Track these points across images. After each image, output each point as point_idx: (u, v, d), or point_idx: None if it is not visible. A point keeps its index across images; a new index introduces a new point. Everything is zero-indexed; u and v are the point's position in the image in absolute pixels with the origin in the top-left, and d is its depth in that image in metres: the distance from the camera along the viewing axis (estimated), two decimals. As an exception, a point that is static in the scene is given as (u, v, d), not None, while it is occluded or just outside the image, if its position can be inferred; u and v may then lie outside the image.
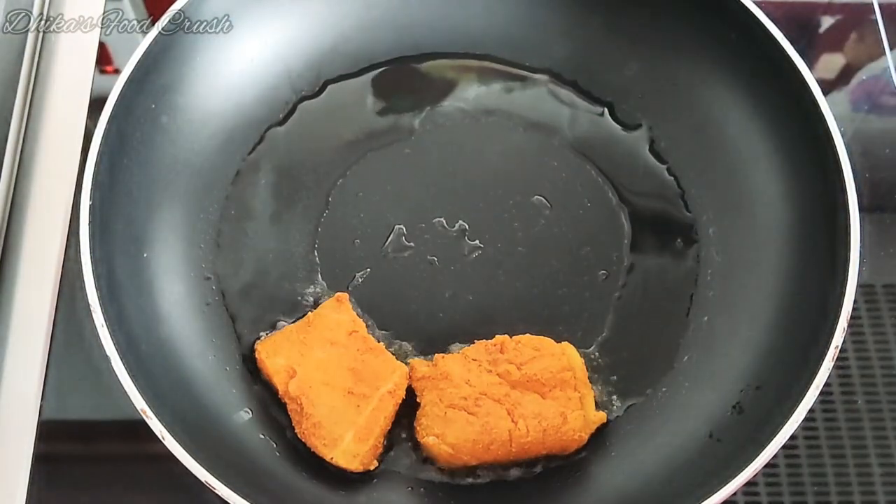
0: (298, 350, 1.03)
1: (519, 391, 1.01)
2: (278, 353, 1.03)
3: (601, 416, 1.03)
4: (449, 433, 0.98)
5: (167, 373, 1.00)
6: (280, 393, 1.02)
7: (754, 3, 1.12)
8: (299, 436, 0.99)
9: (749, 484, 0.91)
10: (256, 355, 1.05)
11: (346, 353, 1.03)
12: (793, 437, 0.92)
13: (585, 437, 1.01)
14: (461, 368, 1.01)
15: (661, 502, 0.97)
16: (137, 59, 1.07)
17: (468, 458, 1.00)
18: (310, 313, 1.07)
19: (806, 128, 1.08)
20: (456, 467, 1.02)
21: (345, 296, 1.08)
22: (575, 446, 1.01)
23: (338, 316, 1.05)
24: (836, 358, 0.94)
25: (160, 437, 0.90)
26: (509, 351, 1.03)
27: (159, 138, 1.11)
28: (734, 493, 0.89)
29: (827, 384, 0.94)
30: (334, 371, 1.02)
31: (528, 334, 1.05)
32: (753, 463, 0.90)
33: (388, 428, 1.02)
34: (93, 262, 0.96)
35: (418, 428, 1.01)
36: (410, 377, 1.03)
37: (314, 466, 1.00)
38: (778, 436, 0.91)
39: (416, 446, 1.02)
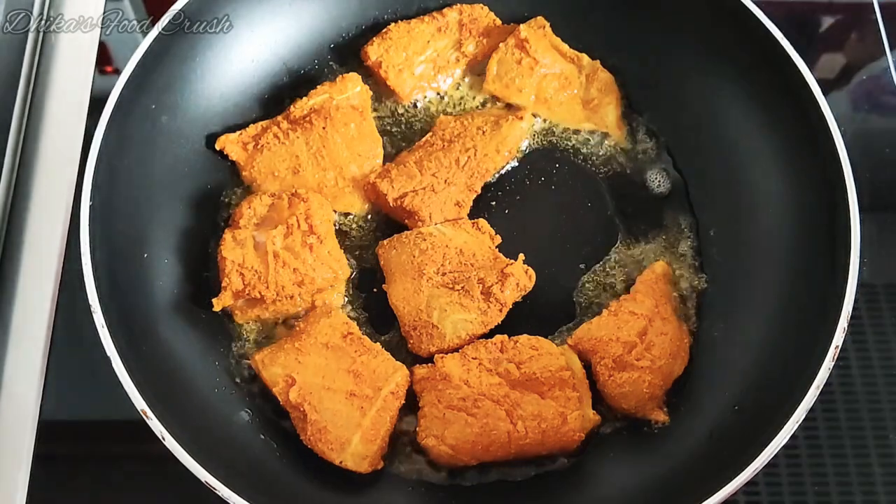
0: (295, 358, 1.02)
1: (518, 391, 1.01)
2: (275, 364, 1.02)
3: (596, 418, 1.03)
4: (448, 434, 0.98)
5: (167, 373, 1.00)
6: (281, 403, 1.01)
7: (754, 3, 1.12)
8: (305, 443, 0.99)
9: (749, 484, 0.91)
10: (254, 367, 1.04)
11: (344, 355, 1.03)
12: (793, 437, 0.92)
13: (583, 436, 1.01)
14: (460, 369, 1.01)
15: (661, 502, 0.97)
16: (137, 59, 1.07)
17: (468, 459, 1.00)
18: (299, 322, 1.07)
19: (806, 128, 1.07)
20: (456, 468, 1.02)
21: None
22: (573, 446, 1.01)
23: (329, 320, 1.05)
24: (836, 358, 0.94)
25: (160, 437, 0.90)
26: (508, 350, 1.03)
27: (159, 138, 1.11)
28: (734, 493, 0.89)
29: (827, 384, 0.94)
30: (333, 375, 1.01)
31: (525, 334, 1.05)
32: (753, 463, 0.90)
33: (392, 428, 1.02)
34: (93, 263, 0.97)
35: (418, 429, 1.01)
36: (411, 380, 1.03)
37: (315, 467, 1.00)
38: (778, 436, 0.91)
39: (417, 447, 1.02)
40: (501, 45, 1.21)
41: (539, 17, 1.22)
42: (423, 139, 1.18)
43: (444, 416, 0.99)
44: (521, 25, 1.21)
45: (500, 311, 1.07)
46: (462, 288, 1.07)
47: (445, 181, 1.13)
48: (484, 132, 1.16)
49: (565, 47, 1.22)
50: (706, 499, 0.89)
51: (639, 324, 1.04)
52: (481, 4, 1.24)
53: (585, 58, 1.22)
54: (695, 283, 1.13)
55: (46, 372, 1.10)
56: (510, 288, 1.07)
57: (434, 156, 1.14)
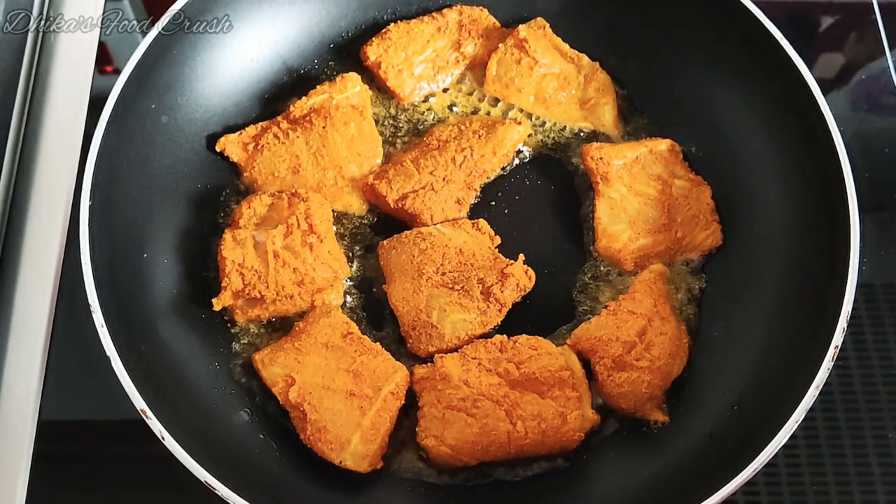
0: (295, 357, 1.02)
1: (518, 391, 1.01)
2: (275, 363, 1.02)
3: (595, 417, 1.03)
4: (448, 435, 0.99)
5: (167, 373, 1.00)
6: (281, 402, 1.01)
7: (754, 3, 1.12)
8: (305, 443, 0.99)
9: (749, 484, 0.91)
10: (254, 367, 1.04)
11: (344, 355, 1.03)
12: (793, 437, 0.92)
13: (583, 436, 1.01)
14: (460, 369, 1.01)
15: (660, 502, 0.97)
16: (137, 58, 1.07)
17: (468, 459, 1.00)
18: (299, 322, 1.07)
19: (806, 128, 1.07)
20: (456, 468, 1.02)
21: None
22: (573, 446, 1.01)
23: (329, 320, 1.05)
24: (836, 358, 0.94)
25: (160, 437, 0.90)
26: (508, 350, 1.03)
27: (160, 138, 1.11)
28: (734, 493, 0.89)
29: (827, 384, 0.94)
30: (333, 375, 1.01)
31: (524, 334, 1.05)
32: (753, 463, 0.90)
33: (392, 428, 1.02)
34: (92, 263, 0.96)
35: (418, 430, 1.01)
36: (411, 380, 1.03)
37: (314, 466, 1.00)
38: (778, 436, 0.91)
39: (417, 447, 1.02)
40: (501, 45, 1.22)
41: (539, 18, 1.22)
42: (419, 140, 1.18)
43: (444, 417, 0.99)
44: (521, 26, 1.21)
45: (500, 311, 1.07)
46: (462, 288, 1.07)
47: (444, 179, 1.13)
48: (480, 136, 1.16)
49: (565, 47, 1.22)
50: (706, 498, 0.89)
51: (638, 323, 1.04)
52: (481, 7, 1.24)
53: (585, 58, 1.22)
54: (694, 284, 1.13)
55: (46, 372, 1.10)
56: (510, 288, 1.07)
57: (430, 155, 1.14)
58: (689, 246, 1.12)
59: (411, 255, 1.09)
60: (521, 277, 1.08)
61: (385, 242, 1.11)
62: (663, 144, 1.16)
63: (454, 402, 1.00)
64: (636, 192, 1.13)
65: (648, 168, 1.14)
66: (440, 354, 1.03)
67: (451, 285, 1.07)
